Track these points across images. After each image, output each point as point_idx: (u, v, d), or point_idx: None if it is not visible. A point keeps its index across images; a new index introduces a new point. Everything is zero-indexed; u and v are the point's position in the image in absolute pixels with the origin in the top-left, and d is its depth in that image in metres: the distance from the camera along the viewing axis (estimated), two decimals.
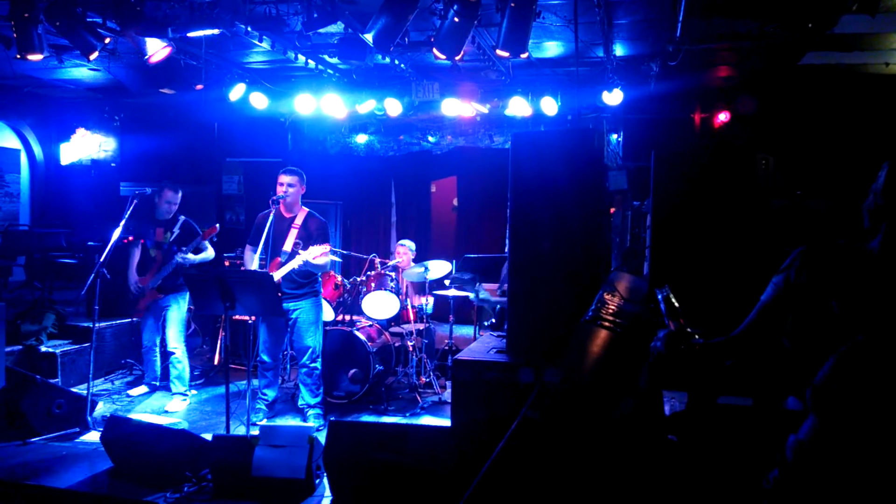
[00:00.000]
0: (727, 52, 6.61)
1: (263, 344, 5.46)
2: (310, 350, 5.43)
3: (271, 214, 5.22)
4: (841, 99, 7.67)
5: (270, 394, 5.56)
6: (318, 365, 5.51)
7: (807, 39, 5.97)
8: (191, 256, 5.89)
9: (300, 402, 5.57)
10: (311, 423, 5.39)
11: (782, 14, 5.22)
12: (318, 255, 5.15)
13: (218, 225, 5.94)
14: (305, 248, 5.27)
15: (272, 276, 5.02)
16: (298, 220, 5.41)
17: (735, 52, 6.65)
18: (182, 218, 6.04)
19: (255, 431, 4.32)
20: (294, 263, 5.18)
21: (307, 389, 5.50)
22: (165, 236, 5.98)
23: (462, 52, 4.87)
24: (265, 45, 5.78)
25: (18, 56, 5.13)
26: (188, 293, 6.05)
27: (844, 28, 5.59)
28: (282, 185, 5.35)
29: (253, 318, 5.52)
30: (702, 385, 1.83)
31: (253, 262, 5.33)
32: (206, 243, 6.05)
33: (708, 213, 2.04)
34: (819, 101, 7.68)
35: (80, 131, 10.26)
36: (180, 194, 6.12)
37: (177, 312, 6.05)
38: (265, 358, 5.48)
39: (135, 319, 6.24)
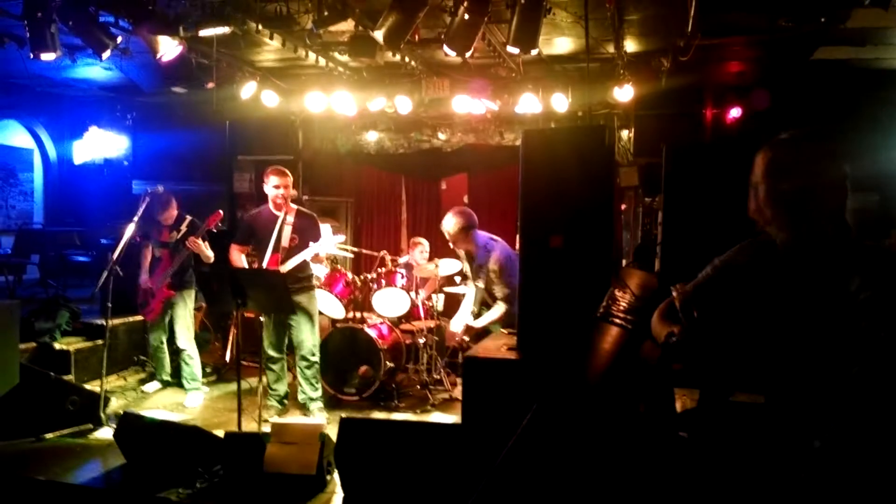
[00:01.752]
0: (739, 47, 6.57)
1: (268, 338, 5.50)
2: (309, 343, 5.49)
3: (278, 216, 5.33)
4: (854, 93, 7.61)
5: (281, 388, 5.60)
6: (317, 358, 5.56)
7: (819, 34, 5.93)
8: (200, 243, 5.84)
9: (300, 396, 5.61)
10: (316, 415, 5.49)
11: (795, 8, 5.18)
12: (337, 244, 5.37)
13: (221, 211, 5.93)
14: (303, 241, 5.37)
15: (283, 274, 5.06)
16: (290, 217, 5.46)
17: (747, 47, 6.61)
18: (188, 217, 6.06)
19: (266, 428, 4.34)
20: (307, 255, 5.29)
21: (307, 383, 5.55)
22: (172, 235, 6.01)
23: (472, 50, 4.86)
24: (276, 43, 5.79)
25: (32, 55, 5.16)
26: (194, 290, 6.09)
27: (857, 22, 5.55)
28: (278, 185, 5.40)
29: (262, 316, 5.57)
30: (713, 381, 1.82)
31: (241, 261, 5.45)
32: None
33: (720, 208, 2.03)
34: (832, 96, 7.62)
35: (93, 130, 10.32)
36: (173, 204, 6.06)
37: (183, 309, 6.08)
38: (270, 352, 5.52)
39: (148, 323, 6.25)
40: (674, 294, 1.87)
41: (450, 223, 5.19)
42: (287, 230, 5.41)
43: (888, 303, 1.72)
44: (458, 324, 5.78)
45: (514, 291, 4.85)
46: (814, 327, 1.84)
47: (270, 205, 5.45)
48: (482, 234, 5.23)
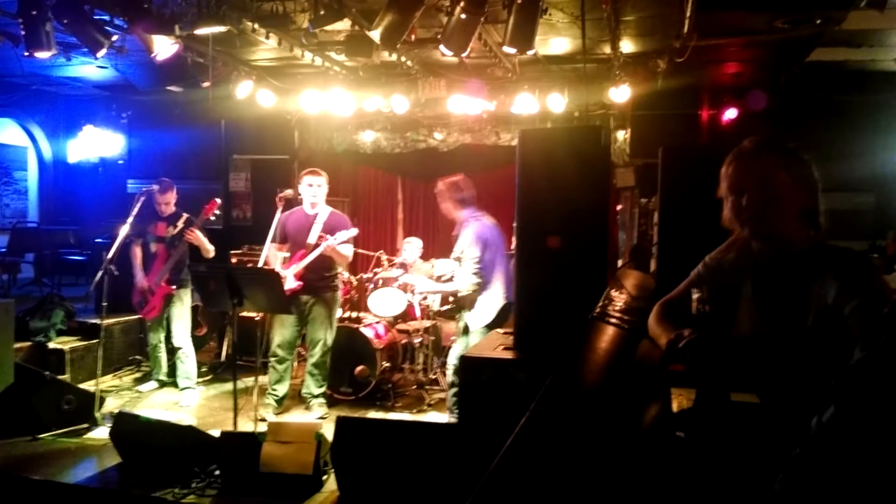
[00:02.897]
0: (735, 48, 6.59)
1: (279, 337, 5.51)
2: (322, 342, 5.52)
3: (311, 216, 5.51)
4: (850, 95, 7.64)
5: (281, 390, 5.60)
6: (327, 358, 5.61)
7: (815, 35, 5.94)
8: (199, 233, 5.86)
9: (304, 391, 5.66)
10: (316, 411, 5.52)
11: (791, 9, 5.20)
12: (344, 240, 5.38)
13: (219, 200, 5.98)
14: None
15: (279, 273, 5.07)
16: (322, 216, 5.56)
17: (743, 49, 6.63)
18: (185, 215, 6.05)
19: (262, 427, 4.33)
20: (321, 249, 5.34)
21: (313, 380, 5.58)
22: (168, 230, 5.99)
23: (469, 49, 4.86)
24: (272, 42, 5.78)
25: (27, 54, 5.14)
26: (190, 288, 6.07)
27: (853, 24, 5.57)
28: (311, 185, 5.53)
29: (260, 315, 5.57)
30: (710, 381, 1.83)
31: (277, 258, 5.54)
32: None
33: (716, 209, 2.05)
34: (828, 98, 7.65)
35: (88, 128, 10.29)
36: (174, 191, 6.10)
37: (180, 308, 6.06)
38: (279, 352, 5.52)
39: (147, 321, 6.22)
40: (695, 297, 1.88)
41: (446, 184, 5.20)
42: (316, 228, 5.49)
43: (876, 308, 1.74)
44: (421, 282, 5.90)
45: (482, 269, 4.93)
46: (794, 333, 1.86)
47: (305, 205, 5.56)
48: (468, 210, 5.19)
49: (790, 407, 1.81)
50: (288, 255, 5.55)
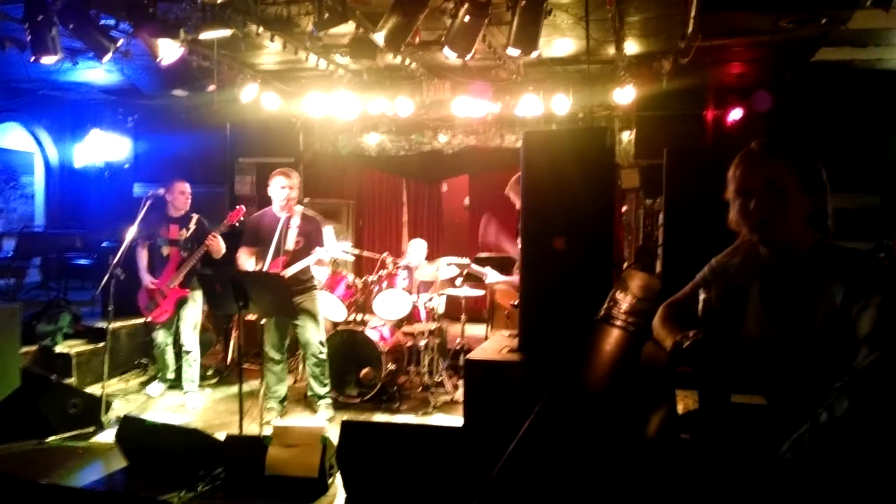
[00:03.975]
0: (740, 48, 6.57)
1: (269, 340, 5.50)
2: (316, 343, 5.51)
3: (281, 217, 5.36)
4: (856, 95, 7.62)
5: (281, 390, 5.60)
6: (325, 356, 5.58)
7: (820, 35, 5.93)
8: (220, 240, 5.84)
9: (309, 393, 5.67)
10: (323, 412, 5.53)
11: (796, 9, 5.19)
12: (342, 250, 5.41)
13: (243, 207, 5.88)
14: (308, 245, 5.38)
15: (285, 276, 5.07)
16: (296, 220, 5.46)
17: (748, 49, 6.61)
18: (196, 216, 6.04)
19: (268, 430, 4.34)
20: (312, 261, 5.31)
21: (316, 381, 5.58)
22: (181, 233, 5.97)
23: (473, 52, 4.86)
24: (276, 45, 5.79)
25: (33, 59, 5.16)
26: (200, 291, 6.06)
27: (858, 24, 5.55)
28: (284, 186, 5.39)
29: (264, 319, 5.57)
30: (716, 381, 1.82)
31: (249, 263, 5.44)
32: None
33: (721, 210, 2.04)
34: (833, 98, 7.63)
35: (94, 132, 10.33)
36: (187, 184, 6.12)
37: (193, 308, 6.06)
38: (272, 354, 5.52)
39: (157, 324, 6.18)
40: (702, 297, 1.87)
41: (517, 178, 5.19)
42: (292, 233, 5.41)
43: (885, 309, 1.73)
44: (492, 273, 5.92)
45: None
46: (802, 336, 1.85)
47: (276, 207, 5.44)
48: None
49: (797, 409, 1.80)
50: (254, 258, 5.47)
